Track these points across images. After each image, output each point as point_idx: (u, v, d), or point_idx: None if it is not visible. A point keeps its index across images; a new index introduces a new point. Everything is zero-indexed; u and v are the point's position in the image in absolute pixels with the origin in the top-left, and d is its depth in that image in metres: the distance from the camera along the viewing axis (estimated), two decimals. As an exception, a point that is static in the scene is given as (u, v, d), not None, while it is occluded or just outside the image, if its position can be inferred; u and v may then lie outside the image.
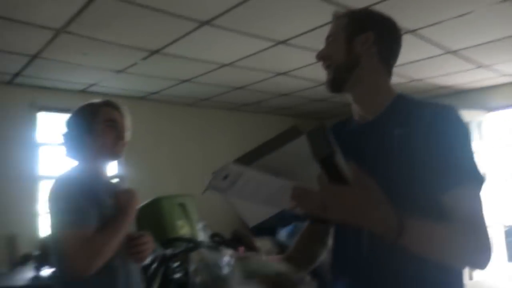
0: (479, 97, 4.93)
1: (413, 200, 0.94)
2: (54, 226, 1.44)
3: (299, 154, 0.75)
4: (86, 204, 1.41)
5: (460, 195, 0.92)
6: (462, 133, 1.00)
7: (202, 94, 4.76)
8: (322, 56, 1.15)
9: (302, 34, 2.98)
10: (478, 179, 0.95)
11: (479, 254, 0.90)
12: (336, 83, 1.12)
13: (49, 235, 1.59)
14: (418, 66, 3.91)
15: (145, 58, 3.39)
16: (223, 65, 3.68)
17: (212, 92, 4.71)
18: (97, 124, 1.56)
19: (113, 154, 1.60)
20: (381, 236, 0.84)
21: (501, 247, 4.61)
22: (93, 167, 1.57)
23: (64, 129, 1.62)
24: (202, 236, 3.44)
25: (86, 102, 1.67)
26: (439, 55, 3.60)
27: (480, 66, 4.03)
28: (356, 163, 0.88)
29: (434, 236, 0.88)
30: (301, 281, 1.03)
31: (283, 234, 5.00)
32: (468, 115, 4.56)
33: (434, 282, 0.96)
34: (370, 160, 1.01)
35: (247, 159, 0.77)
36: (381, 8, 1.23)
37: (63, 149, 1.62)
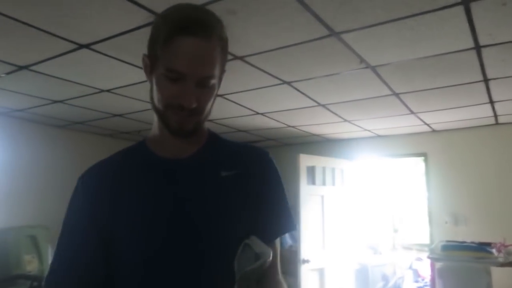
0: (344, 146, 5.49)
1: (232, 242, 0.88)
2: None
3: None
4: None
5: (277, 243, 0.98)
6: (281, 181, 1.02)
7: (76, 117, 4.43)
8: (198, 110, 0.89)
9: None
10: (294, 228, 1.00)
11: None
12: (191, 134, 0.93)
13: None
14: (293, 114, 4.19)
15: (9, 73, 3.05)
16: (102, 91, 3.50)
17: (87, 116, 4.41)
18: None
19: None
20: None
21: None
22: None
23: None
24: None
25: None
26: (311, 106, 3.92)
27: (345, 120, 4.51)
28: (163, 203, 0.89)
29: None
30: None
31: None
32: (334, 163, 5.02)
33: None
34: (185, 201, 0.91)
35: None
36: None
37: None
